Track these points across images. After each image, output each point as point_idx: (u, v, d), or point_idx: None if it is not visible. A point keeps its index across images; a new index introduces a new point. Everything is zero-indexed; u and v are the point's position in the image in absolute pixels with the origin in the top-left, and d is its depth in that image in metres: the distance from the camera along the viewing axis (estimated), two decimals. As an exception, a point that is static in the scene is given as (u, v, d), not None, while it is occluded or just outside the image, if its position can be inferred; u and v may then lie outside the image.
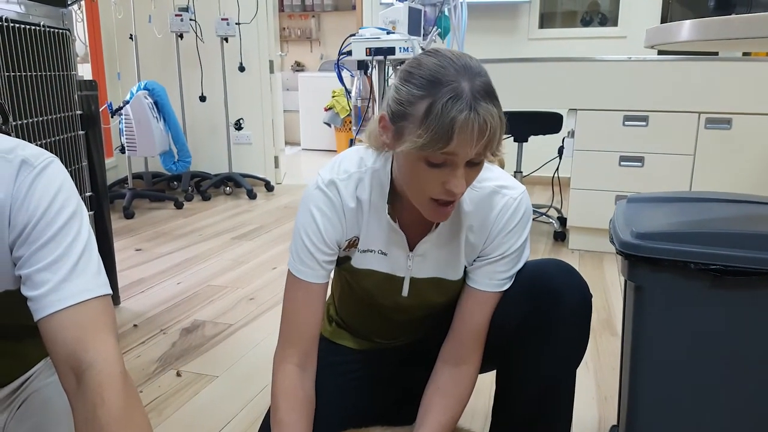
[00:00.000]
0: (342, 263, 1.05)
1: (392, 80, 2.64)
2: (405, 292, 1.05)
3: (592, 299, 0.98)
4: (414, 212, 0.96)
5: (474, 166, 0.85)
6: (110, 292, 0.79)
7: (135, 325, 2.02)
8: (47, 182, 0.77)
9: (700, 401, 1.03)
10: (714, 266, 0.96)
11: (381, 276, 1.03)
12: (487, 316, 1.01)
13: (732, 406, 1.02)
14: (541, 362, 0.99)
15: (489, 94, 0.81)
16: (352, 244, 1.02)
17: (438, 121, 0.79)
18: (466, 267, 1.03)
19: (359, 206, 0.99)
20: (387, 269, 1.03)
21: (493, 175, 0.99)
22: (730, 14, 0.83)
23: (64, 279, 0.74)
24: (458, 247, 1.00)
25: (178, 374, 1.68)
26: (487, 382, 1.60)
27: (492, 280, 1.00)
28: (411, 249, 1.01)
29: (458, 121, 0.78)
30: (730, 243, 0.95)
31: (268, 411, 1.09)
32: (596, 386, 1.63)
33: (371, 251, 1.02)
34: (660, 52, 3.90)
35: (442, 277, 1.03)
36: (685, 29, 0.88)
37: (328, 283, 1.02)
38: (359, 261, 1.03)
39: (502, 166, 1.05)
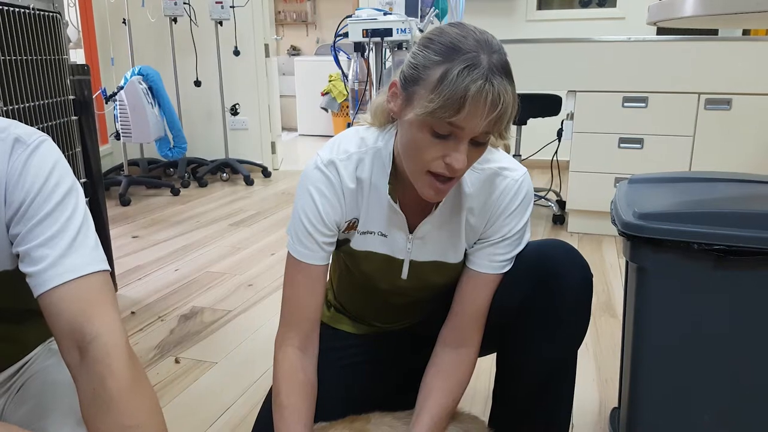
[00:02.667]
0: (341, 246, 1.04)
1: (389, 62, 2.62)
2: (404, 274, 1.03)
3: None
4: (415, 193, 0.95)
5: (478, 146, 0.84)
6: (108, 268, 0.79)
7: (133, 313, 2.01)
8: (42, 159, 0.77)
9: (702, 382, 1.02)
10: (717, 246, 0.94)
11: (380, 258, 1.02)
12: (487, 298, 1.00)
13: (735, 387, 1.01)
14: (542, 342, 0.99)
15: (506, 71, 0.80)
16: (352, 226, 1.00)
17: (451, 88, 0.77)
18: (466, 249, 1.01)
19: (359, 187, 0.97)
20: (386, 251, 1.01)
21: (494, 157, 0.98)
22: (736, -12, 0.81)
23: (62, 254, 0.74)
24: (459, 230, 0.99)
25: (177, 361, 1.68)
26: (487, 365, 1.59)
27: (492, 262, 0.99)
28: (411, 231, 0.99)
29: (471, 90, 0.76)
30: (732, 223, 0.94)
31: (267, 396, 1.09)
32: (596, 369, 1.62)
33: (371, 233, 1.00)
34: (659, 32, 3.86)
35: (442, 260, 1.01)
36: (689, 4, 0.86)
37: (328, 264, 1.01)
38: (358, 243, 1.01)
39: (507, 151, 1.03)
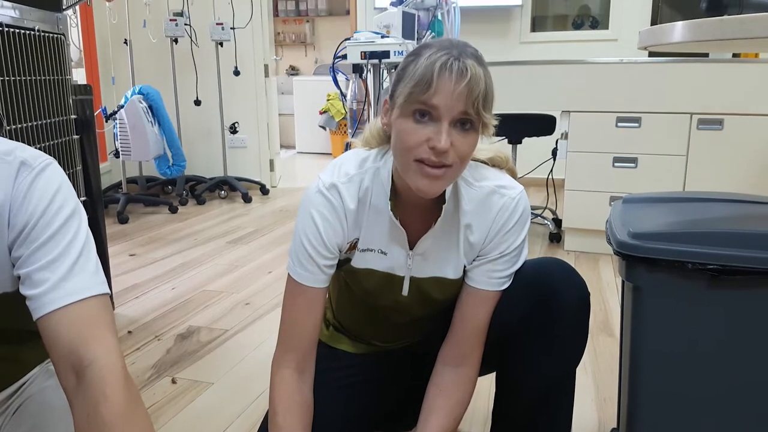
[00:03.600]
0: (342, 265, 1.05)
1: (387, 83, 2.65)
2: (405, 291, 1.04)
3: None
4: (414, 210, 0.97)
5: (463, 131, 0.86)
6: (108, 291, 0.79)
7: (129, 332, 2.01)
8: (46, 183, 0.77)
9: (700, 401, 1.03)
10: (711, 266, 0.96)
11: (381, 275, 1.03)
12: (486, 315, 1.01)
13: (732, 405, 1.02)
14: (541, 361, 1.00)
15: (477, 57, 0.86)
16: (353, 246, 1.01)
17: (422, 69, 0.84)
18: (465, 266, 1.03)
19: (360, 207, 0.99)
20: (387, 268, 1.03)
21: (492, 176, 1.00)
22: (723, 15, 0.84)
23: (63, 278, 0.74)
24: (457, 246, 1.00)
25: (174, 381, 1.67)
26: (486, 384, 1.60)
27: (491, 278, 1.00)
28: (411, 248, 1.01)
29: (438, 64, 0.83)
30: (726, 242, 0.96)
31: (265, 417, 1.09)
32: (595, 388, 1.63)
33: (371, 250, 1.01)
34: (651, 54, 3.92)
35: (442, 276, 1.03)
36: (678, 30, 0.89)
37: (328, 288, 1.02)
38: (359, 261, 1.03)
39: (514, 176, 1.05)
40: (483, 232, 0.99)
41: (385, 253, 1.02)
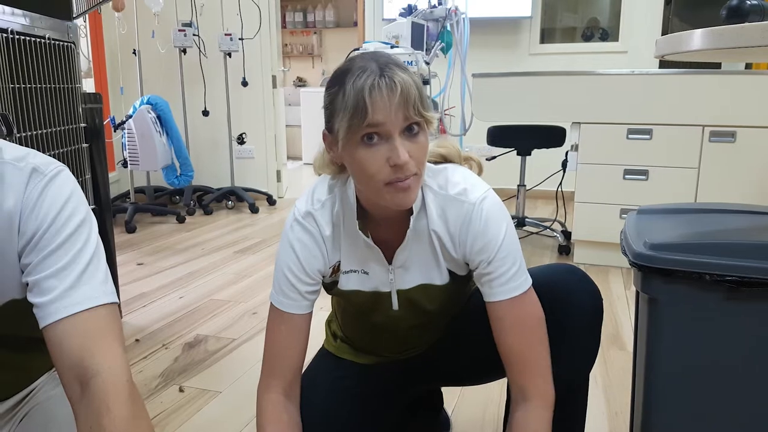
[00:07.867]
0: (331, 288, 1.05)
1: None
2: (395, 305, 1.04)
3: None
4: (385, 226, 0.96)
5: (413, 136, 0.86)
6: (117, 300, 0.78)
7: (137, 340, 2.00)
8: (57, 190, 0.77)
9: (716, 415, 1.00)
10: (729, 277, 0.94)
11: (368, 294, 1.03)
12: (521, 325, 0.95)
13: (750, 419, 0.99)
14: (553, 366, 0.98)
15: (398, 65, 0.86)
16: (336, 269, 1.02)
17: (353, 97, 0.83)
18: (449, 270, 1.01)
19: (335, 230, 0.99)
20: (371, 287, 1.03)
21: (455, 179, 0.97)
22: (743, 23, 0.83)
23: (71, 286, 0.73)
24: (434, 250, 0.99)
25: (181, 390, 1.66)
26: (497, 390, 1.57)
27: (502, 286, 0.94)
28: (390, 262, 1.00)
29: (367, 87, 0.82)
30: (745, 254, 0.94)
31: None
32: (606, 402, 1.60)
33: (354, 271, 1.02)
34: (661, 64, 3.91)
35: (428, 282, 1.02)
36: (698, 38, 0.88)
37: (311, 314, 1.02)
38: (345, 283, 1.03)
39: (479, 167, 1.05)
40: (455, 241, 0.97)
41: (366, 273, 1.02)
